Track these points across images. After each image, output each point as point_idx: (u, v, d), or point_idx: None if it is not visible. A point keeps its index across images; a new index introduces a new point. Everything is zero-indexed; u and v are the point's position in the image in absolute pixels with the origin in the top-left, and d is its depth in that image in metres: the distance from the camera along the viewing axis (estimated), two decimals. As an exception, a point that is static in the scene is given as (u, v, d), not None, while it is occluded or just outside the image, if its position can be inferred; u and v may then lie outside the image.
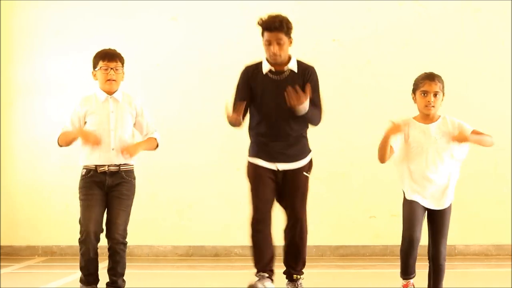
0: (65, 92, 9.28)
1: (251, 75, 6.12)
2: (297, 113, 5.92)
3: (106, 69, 5.89)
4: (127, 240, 5.94)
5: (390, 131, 5.39)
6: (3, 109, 9.40)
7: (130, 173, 5.97)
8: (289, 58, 6.10)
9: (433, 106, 5.38)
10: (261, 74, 6.08)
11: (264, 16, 6.04)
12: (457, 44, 9.35)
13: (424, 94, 5.39)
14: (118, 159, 5.88)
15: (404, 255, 5.47)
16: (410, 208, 5.45)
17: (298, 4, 9.22)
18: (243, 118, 6.05)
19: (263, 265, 6.11)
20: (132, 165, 6.00)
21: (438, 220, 5.41)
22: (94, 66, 5.95)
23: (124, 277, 6.01)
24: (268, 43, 5.99)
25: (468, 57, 9.33)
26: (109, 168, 5.86)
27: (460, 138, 5.32)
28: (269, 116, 6.05)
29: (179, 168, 9.29)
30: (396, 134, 5.41)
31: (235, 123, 5.99)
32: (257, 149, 6.14)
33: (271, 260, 6.14)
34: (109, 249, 5.90)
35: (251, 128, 6.21)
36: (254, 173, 6.14)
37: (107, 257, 5.93)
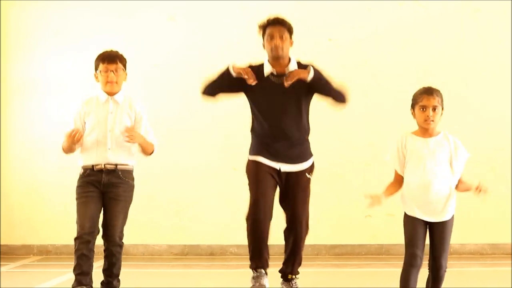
0: (65, 92, 9.30)
1: (255, 74, 6.09)
2: (312, 85, 5.99)
3: (106, 72, 5.87)
4: (123, 241, 5.93)
5: (370, 205, 5.39)
6: (2, 108, 9.42)
7: (127, 174, 5.93)
8: (289, 60, 6.11)
9: (432, 121, 5.36)
10: (262, 76, 6.07)
11: (264, 19, 6.10)
12: (457, 44, 9.34)
13: (423, 109, 5.37)
14: (115, 159, 5.86)
15: (405, 274, 5.42)
16: (411, 226, 5.42)
17: (297, 4, 9.23)
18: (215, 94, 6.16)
19: (261, 259, 6.09)
20: (130, 165, 5.97)
21: (438, 232, 5.36)
22: (96, 68, 5.94)
23: (120, 277, 6.00)
24: (271, 37, 6.01)
25: (468, 57, 9.33)
26: (105, 166, 5.85)
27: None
28: (271, 118, 6.05)
29: (176, 167, 9.30)
30: (376, 205, 5.41)
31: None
32: (259, 149, 6.13)
33: (267, 253, 6.13)
34: (105, 250, 5.89)
35: (253, 130, 6.20)
36: (255, 168, 6.11)
37: (103, 257, 5.92)
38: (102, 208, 5.90)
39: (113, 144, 5.85)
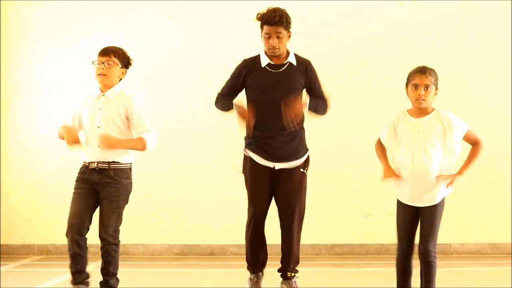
0: (65, 92, 9.29)
1: (249, 69, 6.16)
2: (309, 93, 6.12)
3: (99, 64, 5.89)
4: (119, 240, 5.93)
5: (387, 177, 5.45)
6: (2, 109, 9.42)
7: (120, 173, 5.89)
8: (288, 52, 6.17)
9: (423, 100, 5.35)
10: (260, 68, 6.13)
11: (263, 10, 6.11)
12: (457, 44, 9.33)
13: (415, 88, 5.38)
14: (106, 157, 5.84)
15: (397, 271, 5.45)
16: (401, 213, 5.44)
17: (297, 4, 9.22)
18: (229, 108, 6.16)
19: (258, 263, 6.20)
20: (125, 164, 5.93)
21: (426, 217, 5.33)
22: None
23: (119, 276, 6.01)
24: (268, 37, 6.05)
25: (468, 57, 9.32)
26: (98, 165, 5.85)
27: (447, 181, 5.31)
28: (267, 108, 6.05)
29: (175, 167, 9.29)
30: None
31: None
32: (254, 145, 6.15)
33: (265, 255, 6.23)
34: (101, 249, 5.90)
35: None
36: (251, 168, 6.16)
37: (100, 257, 5.95)
38: (99, 207, 5.91)
39: (101, 141, 5.80)
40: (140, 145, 5.88)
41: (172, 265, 8.60)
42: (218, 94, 6.33)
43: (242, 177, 6.31)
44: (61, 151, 6.60)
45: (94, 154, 5.85)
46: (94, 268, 6.05)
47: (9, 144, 9.42)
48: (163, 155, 9.14)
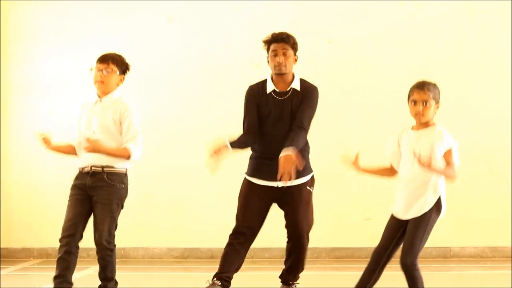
0: (65, 92, 9.30)
1: (256, 94, 6.07)
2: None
3: (97, 71, 5.88)
4: (115, 244, 5.89)
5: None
6: (2, 109, 9.42)
7: (114, 177, 5.86)
8: (293, 77, 6.08)
9: (422, 115, 5.37)
10: (265, 94, 6.05)
11: (270, 34, 6.06)
12: (457, 44, 9.33)
13: (414, 103, 5.39)
14: (100, 161, 5.82)
15: (367, 265, 5.49)
16: (389, 222, 5.47)
17: (297, 4, 9.22)
18: (254, 139, 6.04)
19: (222, 273, 6.09)
20: (120, 168, 5.89)
21: (409, 229, 5.29)
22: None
23: (119, 280, 6.00)
24: (274, 54, 5.97)
25: (468, 57, 9.31)
26: (92, 168, 5.84)
27: (423, 164, 5.27)
28: (271, 135, 6.01)
29: (175, 169, 9.29)
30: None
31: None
32: (256, 168, 6.09)
33: (232, 271, 6.12)
34: (97, 253, 5.89)
35: (253, 148, 6.15)
36: (247, 190, 6.09)
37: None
38: (92, 212, 5.89)
39: (86, 143, 5.77)
40: (124, 154, 5.84)
41: (172, 268, 8.61)
42: (243, 134, 6.10)
43: (242, 178, 6.30)
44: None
45: (88, 159, 5.84)
46: (93, 272, 6.04)
47: (9, 144, 9.42)
48: (160, 156, 9.15)
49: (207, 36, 9.37)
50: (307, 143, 6.14)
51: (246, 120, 6.09)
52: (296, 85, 6.05)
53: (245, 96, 6.14)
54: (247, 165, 6.18)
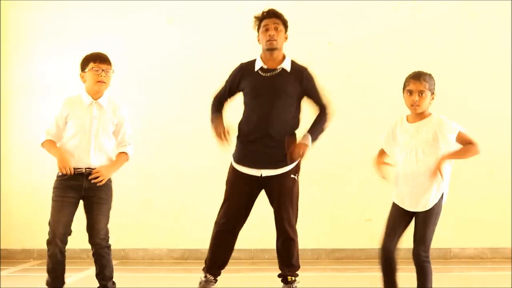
0: (65, 92, 9.01)
1: (243, 72, 6.18)
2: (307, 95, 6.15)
3: (97, 70, 5.82)
4: (110, 243, 5.90)
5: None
6: (2, 108, 9.41)
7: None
8: (283, 57, 6.16)
9: (418, 106, 5.37)
10: (253, 72, 6.13)
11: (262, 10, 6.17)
12: (457, 45, 9.33)
13: (409, 93, 5.39)
14: (97, 163, 5.82)
15: (381, 266, 5.45)
16: (391, 213, 5.46)
17: (296, 4, 9.22)
18: (221, 111, 6.22)
19: (214, 267, 6.19)
20: None
21: (419, 222, 5.34)
22: (83, 68, 5.88)
23: (119, 280, 6.01)
24: (266, 29, 6.07)
25: (468, 57, 9.31)
26: (86, 170, 5.81)
27: (434, 173, 5.29)
28: (257, 112, 6.07)
29: (175, 171, 9.28)
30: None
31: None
32: (241, 153, 6.16)
33: (223, 264, 6.22)
34: (93, 254, 5.89)
35: (239, 127, 6.22)
36: (233, 179, 6.21)
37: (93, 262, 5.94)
38: (85, 212, 5.87)
39: (96, 149, 5.81)
40: (125, 160, 5.98)
41: (172, 269, 8.59)
42: (214, 98, 6.33)
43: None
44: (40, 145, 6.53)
45: (84, 161, 5.80)
46: (89, 273, 6.02)
47: (9, 144, 9.42)
48: (159, 158, 9.15)
49: (207, 36, 9.38)
50: (296, 123, 6.16)
51: (220, 91, 6.27)
52: (286, 65, 6.13)
53: (232, 71, 6.27)
54: (235, 148, 6.22)
